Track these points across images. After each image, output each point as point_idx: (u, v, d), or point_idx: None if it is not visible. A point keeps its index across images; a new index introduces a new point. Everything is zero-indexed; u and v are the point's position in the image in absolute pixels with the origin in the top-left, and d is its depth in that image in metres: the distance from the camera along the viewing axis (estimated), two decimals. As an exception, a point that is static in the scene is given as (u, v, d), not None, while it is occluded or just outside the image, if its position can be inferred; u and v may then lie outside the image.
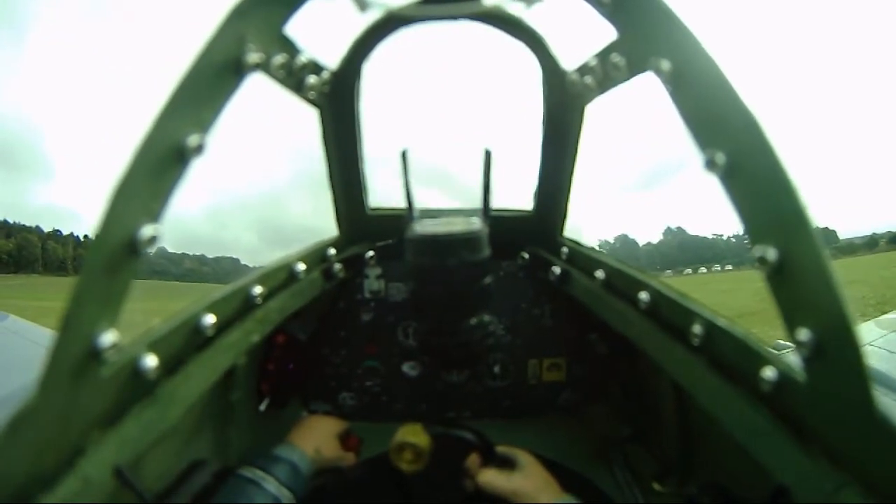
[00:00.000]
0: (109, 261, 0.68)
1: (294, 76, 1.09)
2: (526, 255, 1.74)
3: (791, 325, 0.70)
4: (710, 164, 0.73)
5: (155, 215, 0.74)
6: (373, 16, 1.15)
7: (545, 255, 1.68)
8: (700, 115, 0.77)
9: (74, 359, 0.68)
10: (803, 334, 0.67)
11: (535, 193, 1.63)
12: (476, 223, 1.46)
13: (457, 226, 1.43)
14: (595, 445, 1.61)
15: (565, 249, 1.59)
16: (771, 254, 0.69)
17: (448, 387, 1.81)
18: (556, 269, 1.58)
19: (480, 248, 1.43)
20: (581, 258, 1.51)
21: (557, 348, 1.82)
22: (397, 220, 1.56)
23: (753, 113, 0.68)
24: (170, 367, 0.90)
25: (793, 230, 0.67)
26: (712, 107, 0.74)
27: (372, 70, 1.34)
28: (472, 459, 1.35)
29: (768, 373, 0.78)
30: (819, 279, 0.64)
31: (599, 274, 1.34)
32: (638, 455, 1.49)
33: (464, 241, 1.40)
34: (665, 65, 0.79)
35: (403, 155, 1.47)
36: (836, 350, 0.65)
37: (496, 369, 1.81)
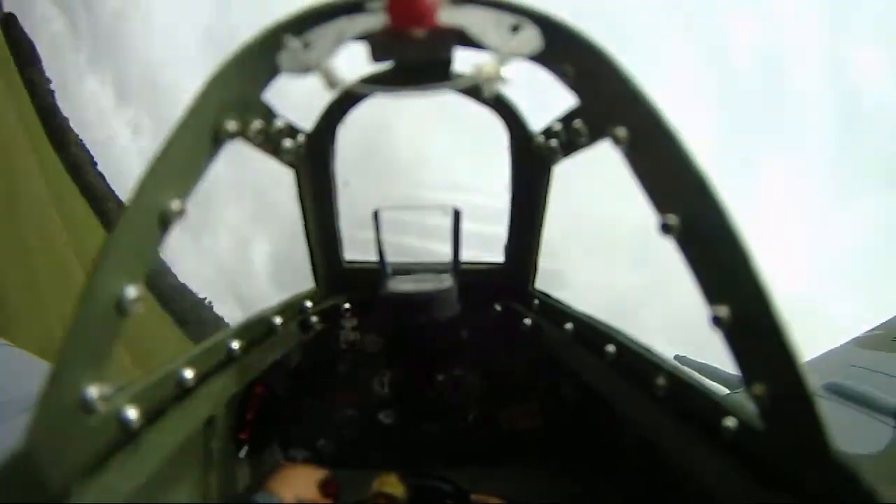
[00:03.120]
0: (96, 319, 0.72)
1: (271, 141, 1.12)
2: (498, 308, 1.78)
3: (748, 379, 0.73)
4: (666, 228, 0.76)
5: (139, 277, 0.78)
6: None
7: (517, 307, 1.71)
8: (656, 180, 0.80)
9: (62, 410, 0.71)
10: (759, 389, 0.71)
11: (506, 248, 1.69)
12: (446, 281, 1.54)
13: (427, 284, 1.51)
14: (570, 491, 1.64)
15: (536, 301, 1.63)
16: (725, 313, 0.72)
17: (424, 435, 1.84)
18: (528, 321, 1.62)
19: (449, 306, 1.52)
20: (551, 310, 1.55)
21: (531, 398, 1.85)
22: (372, 273, 1.63)
23: (707, 178, 0.71)
24: (151, 417, 0.92)
25: (746, 290, 0.69)
26: (667, 172, 0.77)
27: (347, 131, 1.39)
28: None
29: (729, 423, 0.80)
30: (772, 337, 0.67)
31: (569, 326, 1.39)
32: (614, 500, 1.51)
33: (433, 300, 1.48)
34: (621, 132, 0.81)
35: (375, 215, 1.55)
36: (790, 402, 0.67)
37: (470, 418, 1.85)
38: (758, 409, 0.74)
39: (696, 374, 0.98)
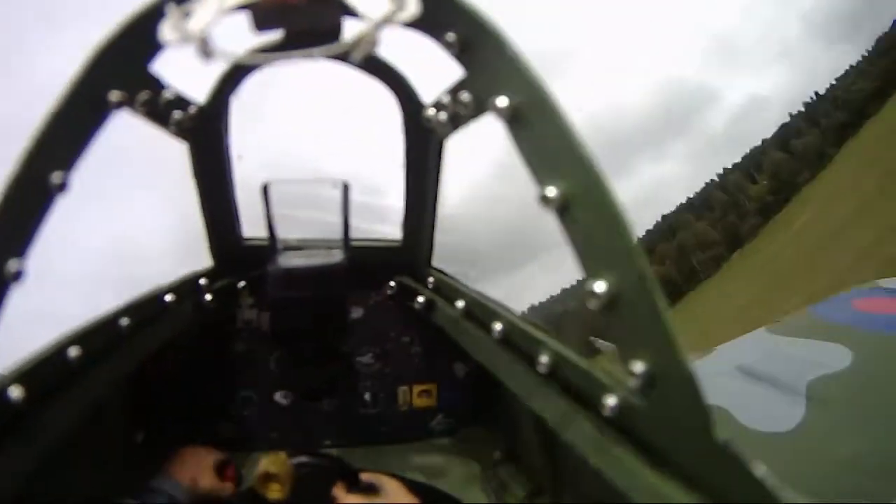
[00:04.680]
0: None
1: (160, 112, 1.12)
2: (393, 285, 1.79)
3: (625, 357, 0.73)
4: (545, 199, 0.76)
5: (20, 250, 0.79)
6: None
7: (412, 284, 1.73)
8: (536, 152, 0.80)
9: None
10: (638, 366, 0.71)
11: (403, 224, 1.69)
12: (336, 256, 1.54)
13: (316, 259, 1.51)
14: (468, 469, 1.67)
15: (431, 279, 1.65)
16: (601, 288, 0.72)
17: (321, 415, 1.84)
18: (421, 299, 1.63)
19: (336, 280, 1.52)
20: (445, 287, 1.57)
21: (427, 375, 1.88)
22: (269, 251, 1.62)
23: (588, 151, 0.71)
24: (38, 400, 0.90)
25: (623, 265, 0.69)
26: (547, 144, 0.77)
27: (241, 103, 1.38)
28: (338, 487, 1.39)
29: (610, 400, 0.81)
30: (649, 313, 0.67)
31: (460, 303, 1.40)
32: (511, 477, 1.54)
33: (321, 275, 1.48)
34: (502, 102, 0.81)
35: (265, 189, 1.53)
36: (670, 380, 0.68)
37: (367, 397, 1.86)
38: (636, 388, 0.74)
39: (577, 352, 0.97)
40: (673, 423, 0.71)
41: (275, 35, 0.92)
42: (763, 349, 3.18)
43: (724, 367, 3.00)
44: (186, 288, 1.53)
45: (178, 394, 1.70)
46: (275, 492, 1.34)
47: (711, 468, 0.65)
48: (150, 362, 1.46)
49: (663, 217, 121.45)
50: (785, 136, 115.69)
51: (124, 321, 1.20)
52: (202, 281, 1.59)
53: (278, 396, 1.82)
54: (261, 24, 0.88)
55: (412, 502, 1.33)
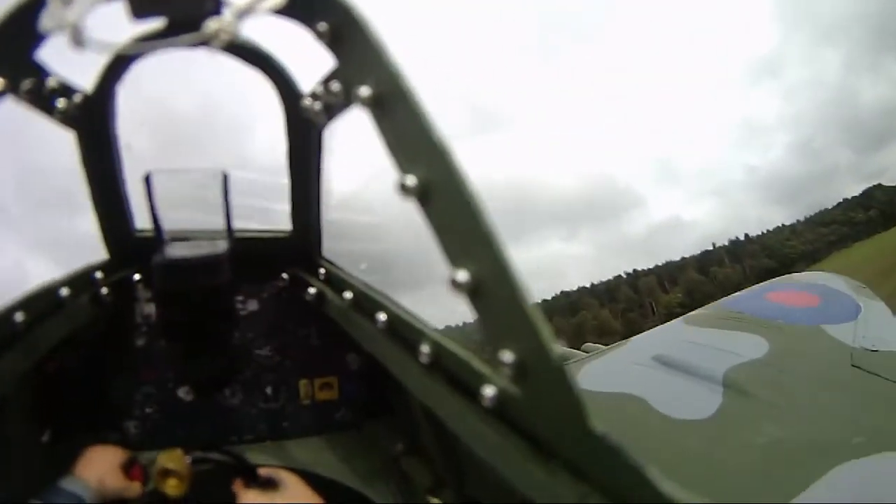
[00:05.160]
0: None
1: (44, 100, 1.11)
2: (286, 277, 1.78)
3: (494, 346, 0.73)
4: (404, 188, 0.76)
5: None
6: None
7: (304, 275, 1.71)
8: (396, 141, 0.81)
9: None
10: (507, 356, 0.71)
11: (291, 215, 1.68)
12: (221, 246, 1.50)
13: (200, 249, 1.48)
14: (371, 462, 1.67)
15: (322, 270, 1.64)
16: (463, 276, 0.72)
17: (225, 410, 1.81)
18: (312, 290, 1.62)
19: (219, 271, 1.48)
20: (335, 278, 1.56)
21: (328, 367, 1.86)
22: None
23: (445, 141, 0.71)
24: None
25: (483, 254, 0.69)
26: (407, 134, 0.77)
27: (129, 90, 1.36)
28: (238, 483, 1.38)
29: (488, 391, 0.80)
30: (512, 302, 0.67)
31: (348, 294, 1.40)
32: (413, 469, 1.54)
33: (204, 265, 1.45)
34: (365, 92, 0.82)
35: (147, 179, 1.48)
36: (539, 370, 0.68)
37: (269, 391, 1.83)
38: (509, 377, 0.74)
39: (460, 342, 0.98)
40: (549, 414, 0.70)
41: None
42: (679, 339, 3.24)
43: (641, 358, 3.02)
44: (82, 281, 1.48)
45: (81, 391, 1.64)
46: (173, 488, 1.35)
47: (592, 459, 0.65)
48: (49, 359, 1.42)
49: (564, 293, 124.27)
50: (705, 261, 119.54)
51: (19, 316, 1.16)
52: (98, 274, 1.55)
53: (182, 392, 1.77)
54: (137, 12, 0.90)
55: (310, 497, 1.33)
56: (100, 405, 1.73)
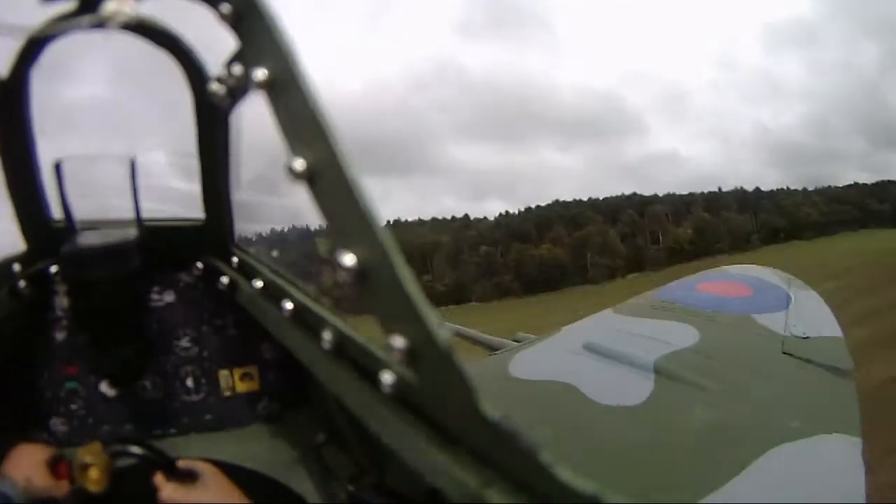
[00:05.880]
0: None
1: None
2: (200, 266, 1.75)
3: (386, 331, 0.73)
4: (292, 172, 0.77)
5: None
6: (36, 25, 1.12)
7: (217, 264, 1.69)
8: (287, 124, 0.81)
9: None
10: (397, 341, 0.71)
11: (202, 201, 1.65)
12: (130, 234, 1.50)
13: (109, 238, 1.47)
14: (295, 452, 1.67)
15: (235, 258, 1.61)
16: (349, 260, 0.72)
17: (149, 404, 1.78)
18: (225, 279, 1.61)
19: (126, 259, 1.46)
20: (247, 266, 1.54)
21: (247, 357, 1.83)
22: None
23: (331, 125, 0.71)
24: None
25: (367, 239, 0.69)
26: (297, 117, 0.77)
27: (42, 77, 1.34)
28: (158, 476, 1.35)
29: (386, 377, 0.81)
30: (396, 287, 0.66)
31: (258, 283, 1.40)
32: (334, 459, 1.54)
33: (113, 253, 1.43)
34: (261, 75, 0.81)
35: (57, 166, 1.47)
36: (428, 354, 0.68)
37: (189, 383, 1.79)
38: (401, 363, 0.74)
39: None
40: (444, 399, 0.70)
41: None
42: (610, 328, 3.28)
43: (572, 346, 3.01)
44: (0, 274, 1.46)
45: (4, 388, 1.60)
46: (93, 483, 1.31)
47: (492, 445, 0.66)
48: None
49: (559, 201, 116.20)
50: (712, 202, 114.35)
51: None
52: (16, 266, 1.51)
53: (104, 387, 1.73)
54: None
55: (229, 489, 1.32)
56: (25, 403, 1.69)
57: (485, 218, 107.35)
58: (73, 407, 1.72)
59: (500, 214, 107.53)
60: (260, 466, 1.56)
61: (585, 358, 2.83)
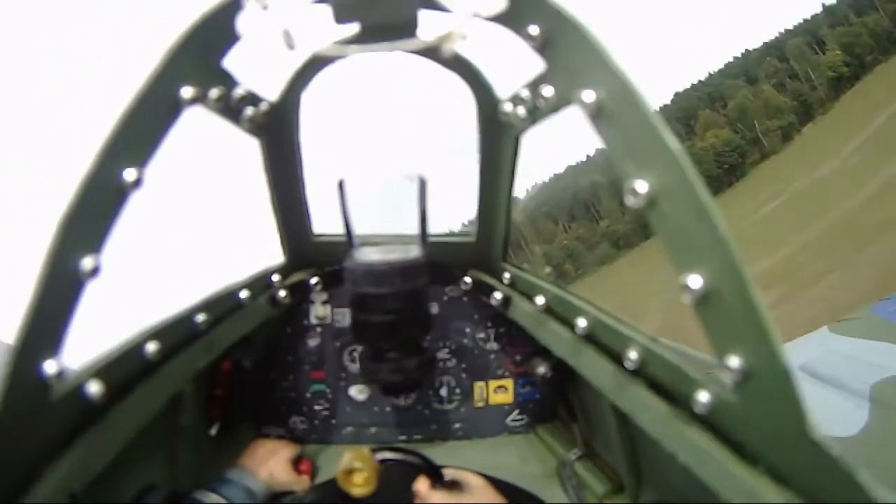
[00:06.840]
0: (53, 291, 0.74)
1: (232, 108, 1.13)
2: (469, 280, 1.77)
3: (720, 351, 0.72)
4: (633, 194, 0.76)
5: (96, 247, 0.80)
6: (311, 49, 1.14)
7: (487, 279, 1.70)
8: (622, 146, 0.80)
9: (24, 386, 0.73)
10: (733, 361, 0.70)
11: (476, 220, 1.67)
12: (413, 251, 1.53)
13: (394, 254, 1.50)
14: (546, 466, 1.67)
15: (507, 275, 1.62)
16: (695, 282, 0.71)
17: (397, 410, 1.85)
18: (498, 294, 1.61)
19: (416, 275, 1.50)
20: (522, 283, 1.55)
21: (503, 371, 1.86)
22: (342, 247, 1.61)
23: (676, 146, 0.70)
24: (116, 393, 0.93)
25: (716, 260, 0.69)
26: (634, 139, 0.76)
27: (312, 99, 1.38)
28: (421, 483, 1.36)
29: (701, 396, 0.80)
30: (744, 307, 0.66)
31: (539, 300, 1.38)
32: (590, 474, 1.53)
33: (400, 270, 1.47)
34: (589, 97, 0.81)
35: (340, 185, 1.53)
36: (765, 375, 0.67)
37: (443, 392, 1.85)
38: (731, 383, 0.72)
39: (670, 348, 0.94)
40: (767, 420, 0.69)
41: (349, 30, 0.95)
42: (825, 349, 3.10)
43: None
44: (260, 284, 1.55)
45: (251, 388, 1.73)
46: (358, 487, 1.35)
47: (806, 467, 0.64)
48: (225, 357, 1.48)
49: (679, 93, 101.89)
50: (836, 17, 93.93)
51: (200, 317, 1.23)
52: (275, 277, 1.61)
53: (353, 391, 1.84)
54: (341, 16, 0.90)
55: (497, 500, 1.32)
56: (267, 402, 1.82)
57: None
58: (317, 408, 1.84)
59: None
60: (510, 477, 1.57)
61: (801, 381, 2.69)
